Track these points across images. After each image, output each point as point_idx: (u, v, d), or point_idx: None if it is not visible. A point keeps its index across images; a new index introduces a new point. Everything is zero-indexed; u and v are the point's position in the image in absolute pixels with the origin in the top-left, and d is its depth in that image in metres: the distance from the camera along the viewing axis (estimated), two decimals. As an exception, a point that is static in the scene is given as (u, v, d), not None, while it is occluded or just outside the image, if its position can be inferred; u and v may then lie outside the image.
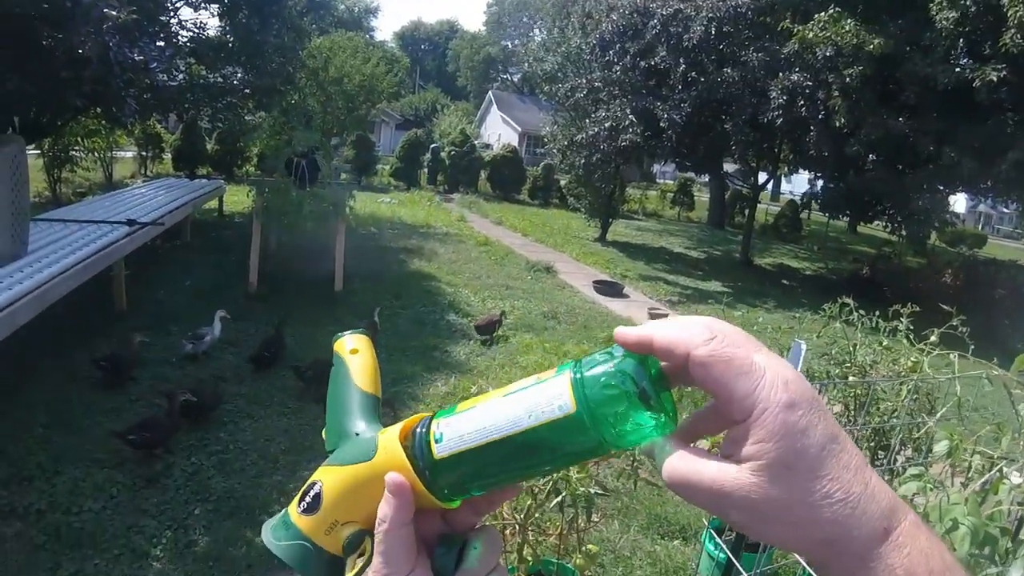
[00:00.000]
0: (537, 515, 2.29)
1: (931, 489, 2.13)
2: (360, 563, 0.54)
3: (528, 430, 0.49)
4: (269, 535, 0.58)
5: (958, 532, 1.96)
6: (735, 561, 1.99)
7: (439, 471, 0.52)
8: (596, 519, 3.41)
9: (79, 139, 11.59)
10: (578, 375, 0.49)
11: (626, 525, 3.83)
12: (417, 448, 0.53)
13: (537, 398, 0.49)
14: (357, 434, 0.58)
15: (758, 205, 16.00)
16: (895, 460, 3.08)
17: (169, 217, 6.88)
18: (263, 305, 6.53)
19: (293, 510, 0.57)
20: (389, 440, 0.54)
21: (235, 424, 4.34)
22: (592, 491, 2.08)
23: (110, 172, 13.79)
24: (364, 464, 0.55)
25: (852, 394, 3.35)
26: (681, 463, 0.47)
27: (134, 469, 3.66)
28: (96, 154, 13.04)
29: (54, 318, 4.59)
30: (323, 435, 0.60)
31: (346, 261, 7.45)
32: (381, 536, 0.51)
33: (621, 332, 0.48)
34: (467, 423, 0.52)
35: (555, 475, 2.07)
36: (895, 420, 3.15)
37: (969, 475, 2.25)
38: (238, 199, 11.21)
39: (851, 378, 3.24)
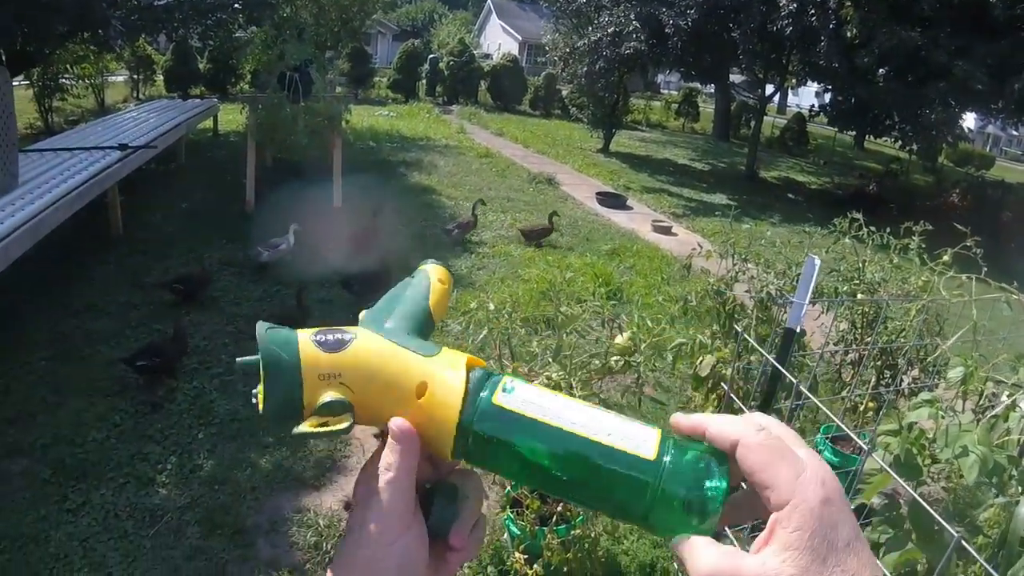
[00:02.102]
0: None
1: (942, 416, 2.07)
2: (317, 425, 0.49)
3: (597, 443, 0.48)
4: (264, 330, 0.51)
5: (967, 459, 1.91)
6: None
7: (486, 419, 0.49)
8: (600, 433, 3.39)
9: (68, 67, 11.33)
10: (671, 439, 0.49)
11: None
12: (478, 382, 0.50)
13: (625, 428, 0.49)
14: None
15: (764, 117, 15.62)
16: (901, 381, 3.03)
17: (162, 140, 6.72)
18: (261, 224, 6.40)
19: (305, 334, 0.51)
20: (455, 354, 0.52)
21: (236, 345, 4.31)
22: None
23: (102, 98, 13.50)
24: (418, 355, 0.52)
25: (860, 312, 3.27)
26: (724, 559, 0.46)
27: (136, 396, 3.65)
28: (86, 80, 12.76)
29: (49, 248, 4.51)
30: (360, 316, 0.56)
31: (344, 176, 7.30)
32: (384, 485, 0.50)
33: (677, 418, 0.51)
34: (543, 397, 0.50)
35: (559, 391, 2.02)
36: (903, 340, 3.08)
37: (980, 401, 2.19)
38: (232, 118, 10.95)
39: (860, 296, 3.15)
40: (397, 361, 0.51)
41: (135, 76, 15.81)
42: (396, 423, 0.51)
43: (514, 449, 0.49)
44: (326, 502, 3.15)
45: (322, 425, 0.49)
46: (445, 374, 0.50)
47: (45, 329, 4.16)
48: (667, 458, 0.47)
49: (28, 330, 4.11)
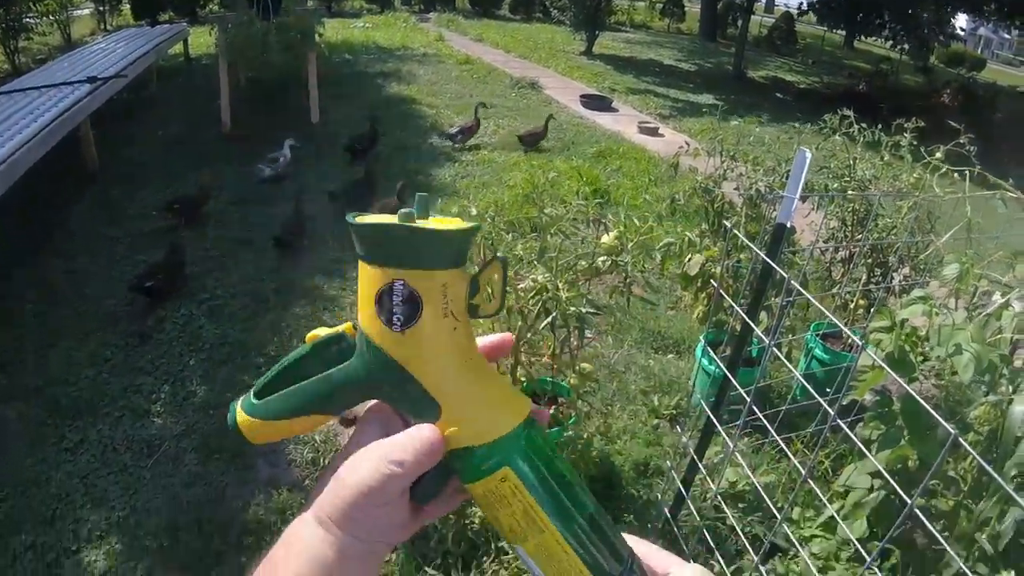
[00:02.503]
0: (529, 335, 2.23)
1: (936, 313, 2.05)
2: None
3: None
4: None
5: (962, 357, 1.89)
6: (731, 376, 1.93)
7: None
8: (590, 336, 3.39)
9: (31, 4, 10.92)
10: None
11: (620, 341, 3.83)
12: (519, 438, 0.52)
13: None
14: None
15: (752, 16, 15.17)
16: (892, 279, 3.00)
17: (132, 68, 6.47)
18: (239, 145, 6.28)
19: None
20: (522, 402, 0.55)
21: (222, 269, 4.27)
22: (584, 310, 1.99)
23: (68, 33, 12.97)
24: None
25: (850, 209, 3.22)
26: None
27: (126, 328, 3.62)
28: (51, 17, 12.24)
29: (26, 190, 4.38)
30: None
31: (320, 91, 7.10)
32: (389, 476, 0.51)
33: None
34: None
35: (544, 295, 1.99)
36: (894, 238, 3.03)
37: (973, 300, 2.16)
38: (203, 40, 10.57)
39: (850, 192, 3.09)
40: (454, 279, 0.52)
41: (100, 8, 15.14)
42: (433, 437, 0.52)
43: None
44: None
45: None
46: (500, 407, 0.53)
47: (28, 272, 4.08)
48: None
49: (12, 274, 4.04)
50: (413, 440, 0.51)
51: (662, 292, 4.37)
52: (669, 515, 2.40)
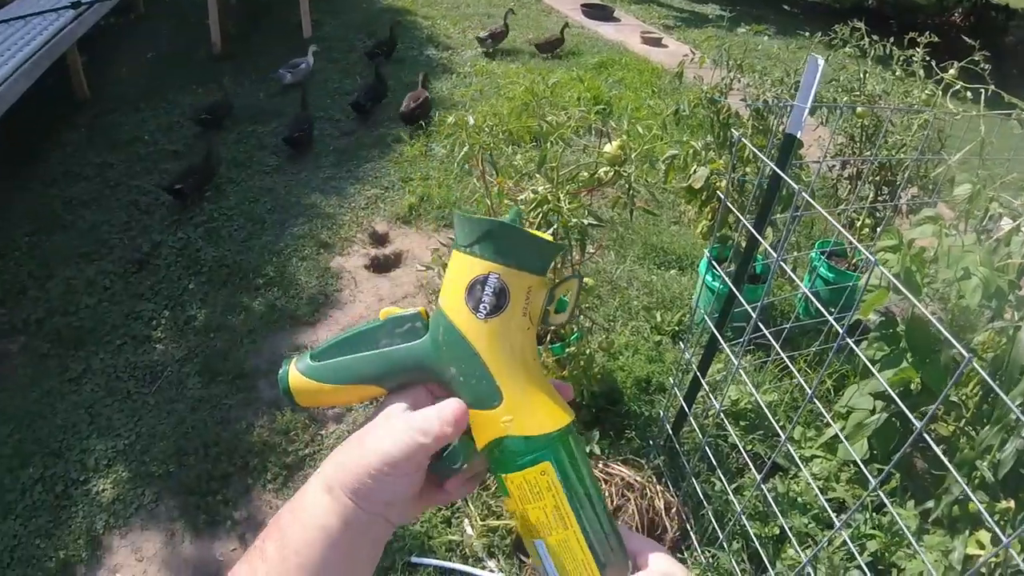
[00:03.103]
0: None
1: (946, 235, 1.99)
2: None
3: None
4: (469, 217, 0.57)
5: (970, 282, 1.84)
6: (736, 292, 1.89)
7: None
8: (591, 250, 3.35)
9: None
10: None
11: (622, 256, 3.79)
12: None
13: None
14: None
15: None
16: (900, 198, 2.92)
17: (118, -10, 6.25)
18: (231, 65, 6.12)
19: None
20: (561, 414, 0.58)
21: (217, 190, 4.20)
22: (586, 222, 1.95)
23: None
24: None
25: (859, 124, 3.11)
26: None
27: (124, 255, 3.58)
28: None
29: (16, 122, 4.28)
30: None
31: (312, 5, 6.88)
32: (413, 445, 0.53)
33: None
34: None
35: (544, 206, 1.94)
36: (903, 156, 2.94)
37: (983, 223, 2.10)
38: (190, -47, 10.21)
39: (859, 108, 2.98)
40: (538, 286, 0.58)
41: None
42: (459, 409, 0.55)
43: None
44: (322, 337, 3.16)
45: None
46: (550, 409, 0.57)
47: (24, 203, 4.01)
48: None
49: (7, 207, 3.98)
50: (441, 411, 0.55)
51: (665, 206, 4.30)
52: (671, 431, 2.41)
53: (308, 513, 0.54)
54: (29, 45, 4.44)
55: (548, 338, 2.43)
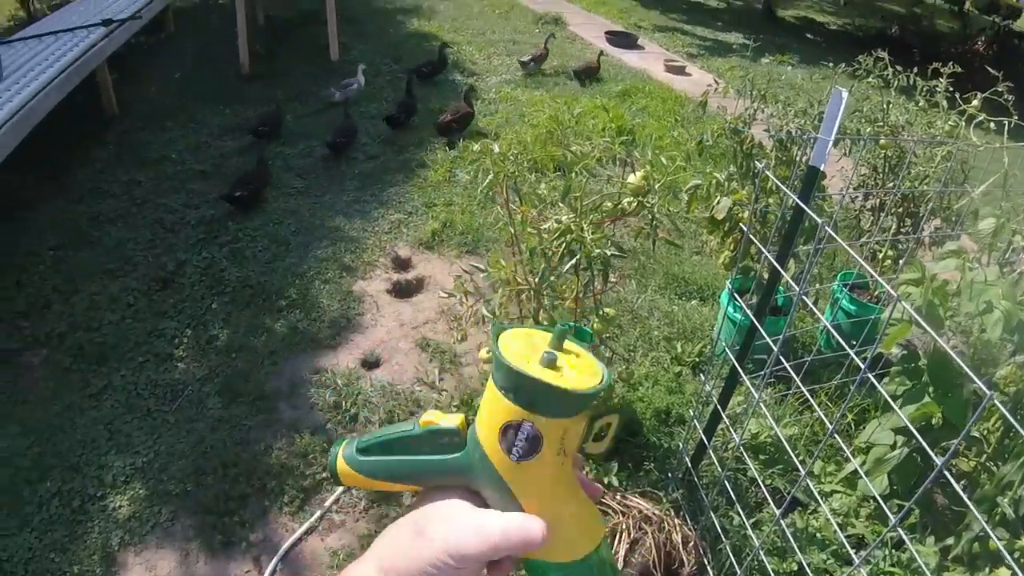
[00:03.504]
0: (552, 278, 2.20)
1: (969, 268, 1.98)
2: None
3: None
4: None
5: (992, 315, 1.83)
6: (757, 324, 1.88)
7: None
8: (613, 280, 3.35)
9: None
10: None
11: (643, 286, 3.79)
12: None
13: None
14: None
15: (782, -46, 14.58)
16: (923, 230, 2.91)
17: (147, 9, 6.33)
18: (260, 85, 6.20)
19: None
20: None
21: (242, 211, 4.24)
22: (608, 252, 1.95)
23: None
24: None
25: (882, 155, 3.11)
26: None
27: (148, 273, 3.62)
28: (65, -38, 12.00)
29: (46, 137, 4.35)
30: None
31: (339, 29, 6.97)
32: (495, 550, 0.54)
33: None
34: None
35: (568, 236, 1.94)
36: (926, 187, 2.93)
37: (1006, 255, 2.09)
38: (221, -24, 10.41)
39: (882, 139, 2.98)
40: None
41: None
42: (539, 535, 0.54)
43: None
44: (343, 361, 3.17)
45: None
46: (582, 530, 0.60)
47: (50, 218, 4.07)
48: None
49: (33, 221, 4.03)
50: (521, 530, 0.55)
51: (687, 236, 4.30)
52: (690, 464, 2.39)
53: None
54: (60, 61, 4.52)
55: (568, 366, 2.43)
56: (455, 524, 0.56)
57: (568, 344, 0.59)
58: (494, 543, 0.54)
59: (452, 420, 0.62)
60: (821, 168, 1.76)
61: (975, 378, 1.09)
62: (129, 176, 4.55)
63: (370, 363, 3.20)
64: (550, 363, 0.55)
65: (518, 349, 0.57)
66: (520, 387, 0.54)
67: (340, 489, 2.55)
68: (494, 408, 0.56)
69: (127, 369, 3.04)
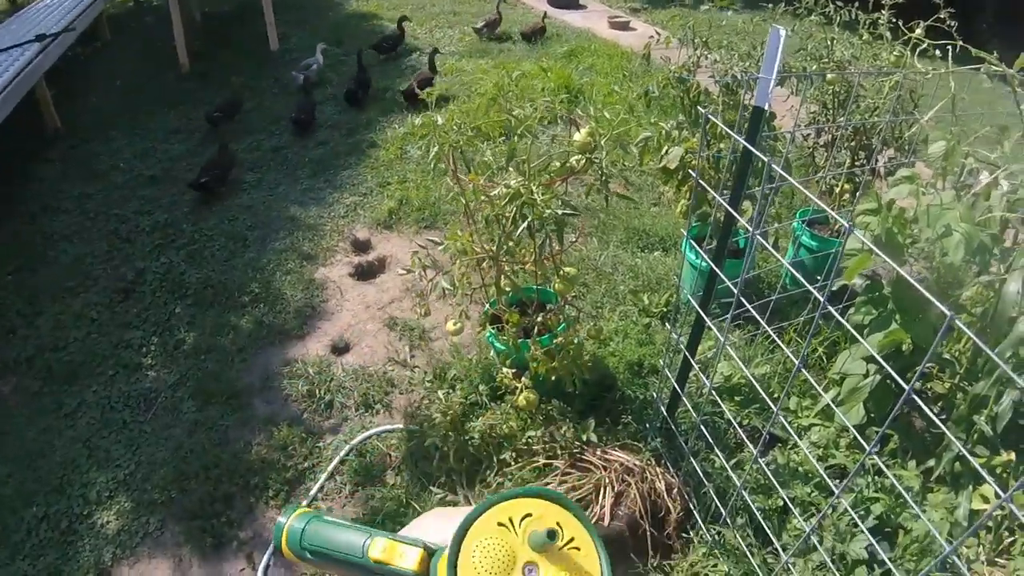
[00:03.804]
0: (509, 244, 2.19)
1: (923, 193, 1.99)
2: None
3: None
4: None
5: (952, 238, 1.85)
6: (716, 269, 1.90)
7: None
8: (573, 239, 3.35)
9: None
10: None
11: (605, 242, 3.80)
12: None
13: None
14: None
15: None
16: (877, 161, 2.93)
17: (80, 20, 6.18)
18: (200, 84, 6.09)
19: None
20: None
21: (196, 212, 4.20)
22: (559, 212, 1.94)
23: None
24: None
25: (830, 91, 3.12)
26: None
27: (108, 285, 3.57)
28: (-8, -19, 11.63)
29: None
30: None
31: (277, 17, 6.86)
32: None
33: None
34: None
35: (518, 200, 1.93)
36: (877, 119, 2.95)
37: (961, 179, 2.11)
38: (151, -23, 10.15)
39: (829, 74, 2.99)
40: None
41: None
42: None
43: None
44: (312, 349, 3.16)
45: None
46: None
47: (5, 242, 3.99)
48: None
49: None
50: None
51: (644, 189, 4.31)
52: (666, 413, 2.42)
53: None
54: (-3, 83, 4.41)
55: (536, 331, 2.43)
56: None
57: (563, 522, 0.55)
58: None
59: (409, 559, 0.58)
60: (766, 108, 1.76)
61: (936, 302, 1.10)
62: (79, 190, 4.48)
63: (340, 348, 3.19)
64: (539, 546, 0.52)
65: (486, 567, 0.51)
66: None
67: (324, 476, 2.55)
68: None
69: (98, 384, 3.00)
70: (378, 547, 0.59)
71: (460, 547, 0.52)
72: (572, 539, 0.54)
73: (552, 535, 0.52)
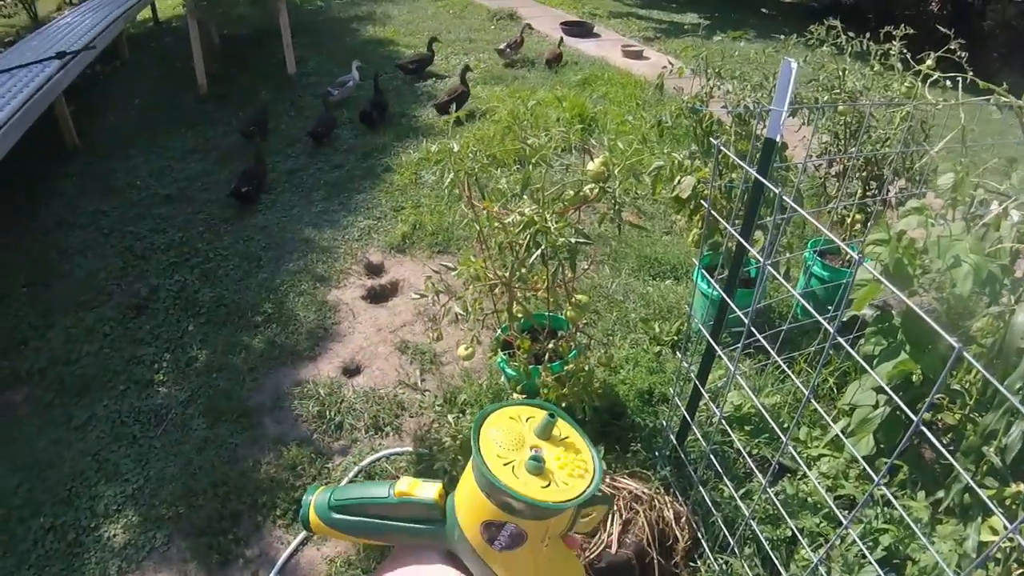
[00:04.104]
0: (522, 271, 2.21)
1: (932, 224, 2.00)
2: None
3: None
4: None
5: (960, 269, 1.85)
6: (728, 300, 1.91)
7: None
8: (585, 266, 3.36)
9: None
10: None
11: (617, 270, 3.81)
12: None
13: None
14: None
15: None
16: (888, 191, 2.95)
17: (101, 39, 6.28)
18: (218, 105, 6.18)
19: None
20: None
21: (211, 231, 4.24)
22: (573, 240, 1.96)
23: (34, 11, 12.52)
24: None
25: (842, 122, 3.14)
26: None
27: (122, 301, 3.60)
28: (14, -3, 11.84)
29: (7, 176, 4.33)
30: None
31: (294, 41, 6.95)
32: None
33: None
34: None
35: (532, 228, 1.95)
36: (888, 149, 2.97)
37: (970, 210, 2.12)
38: (171, 1, 10.33)
39: (840, 105, 3.02)
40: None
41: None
42: None
43: None
44: (323, 371, 3.17)
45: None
46: None
47: (20, 256, 4.03)
48: None
49: (3, 259, 4.00)
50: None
51: (656, 218, 4.33)
52: (676, 442, 2.41)
53: None
54: (16, 98, 4.48)
55: (547, 357, 2.45)
56: None
57: (559, 425, 0.60)
58: None
59: (429, 491, 0.62)
60: (777, 139, 1.78)
61: (944, 334, 1.11)
62: (95, 206, 4.53)
63: (351, 370, 3.20)
64: (536, 470, 0.55)
65: (501, 443, 0.56)
66: (503, 499, 0.55)
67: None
68: (474, 502, 0.57)
69: (109, 399, 3.02)
70: (403, 484, 0.63)
71: (480, 430, 0.58)
72: (567, 436, 0.60)
73: (552, 416, 0.60)
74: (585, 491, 0.55)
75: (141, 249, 4.05)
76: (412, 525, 0.61)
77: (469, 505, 0.57)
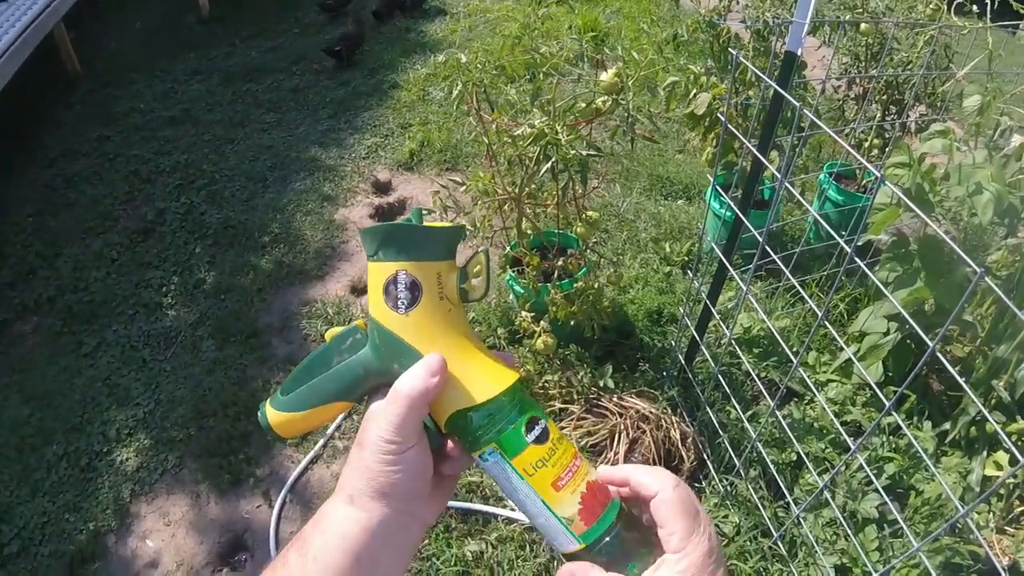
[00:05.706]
0: (532, 186, 2.16)
1: (957, 149, 1.93)
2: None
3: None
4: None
5: (982, 197, 1.79)
6: (743, 217, 1.86)
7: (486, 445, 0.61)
8: (596, 184, 3.31)
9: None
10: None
11: (628, 189, 3.75)
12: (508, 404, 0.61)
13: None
14: None
15: None
16: (908, 116, 2.84)
17: (100, -37, 6.12)
18: (220, 27, 6.03)
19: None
20: (508, 373, 0.63)
21: (217, 152, 4.19)
22: (584, 152, 1.90)
23: None
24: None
25: (863, 43, 3.02)
26: None
27: (128, 226, 3.58)
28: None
29: (10, 105, 4.24)
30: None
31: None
32: (404, 399, 0.57)
33: (603, 471, 0.64)
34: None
35: (542, 140, 1.89)
36: (910, 73, 2.86)
37: (994, 137, 2.04)
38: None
39: (863, 24, 2.89)
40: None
41: None
42: (437, 358, 0.59)
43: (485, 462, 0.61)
44: (332, 290, 3.16)
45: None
46: (493, 374, 0.61)
47: (25, 185, 3.99)
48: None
49: (8, 190, 3.96)
50: (417, 368, 0.58)
51: (669, 136, 4.23)
52: (684, 362, 2.40)
53: (327, 522, 0.58)
54: (15, 26, 4.36)
55: (556, 275, 2.41)
56: (377, 416, 0.58)
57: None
58: (407, 394, 0.57)
59: (352, 324, 0.65)
60: (799, 53, 1.70)
61: (967, 259, 1.07)
62: (99, 132, 4.46)
63: (359, 289, 3.19)
64: (406, 222, 0.61)
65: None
66: (384, 239, 0.60)
67: (341, 416, 2.56)
68: (374, 279, 0.60)
69: (118, 324, 3.03)
70: (330, 332, 0.67)
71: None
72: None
73: (419, 213, 0.66)
74: (449, 224, 0.62)
75: (146, 173, 4.00)
76: (348, 360, 0.63)
77: (372, 290, 0.61)
